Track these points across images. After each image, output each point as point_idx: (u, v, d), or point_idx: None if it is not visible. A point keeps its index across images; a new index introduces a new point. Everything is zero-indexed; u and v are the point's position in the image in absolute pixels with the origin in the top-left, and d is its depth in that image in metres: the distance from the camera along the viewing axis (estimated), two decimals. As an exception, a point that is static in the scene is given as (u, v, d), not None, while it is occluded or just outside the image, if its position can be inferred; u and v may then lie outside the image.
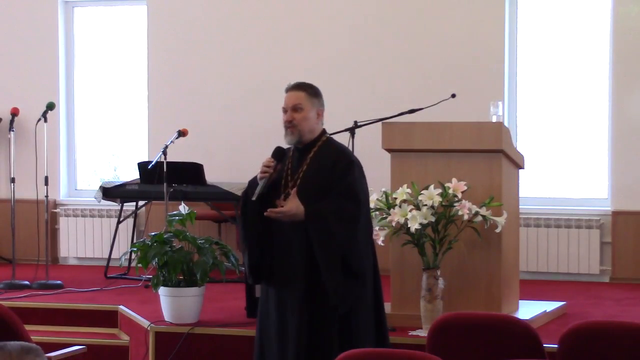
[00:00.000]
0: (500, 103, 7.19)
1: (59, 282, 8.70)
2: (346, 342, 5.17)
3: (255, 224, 5.35)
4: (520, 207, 7.36)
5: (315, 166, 5.34)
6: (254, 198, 5.28)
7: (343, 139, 6.33)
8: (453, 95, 7.36)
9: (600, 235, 9.09)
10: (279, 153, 5.39)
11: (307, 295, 5.24)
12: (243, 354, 6.79)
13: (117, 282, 8.84)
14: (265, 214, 5.23)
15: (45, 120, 8.74)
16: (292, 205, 5.20)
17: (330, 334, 5.23)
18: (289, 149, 5.43)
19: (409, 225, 6.43)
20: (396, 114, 7.27)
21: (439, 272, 6.52)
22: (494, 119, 7.04)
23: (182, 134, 8.81)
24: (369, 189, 5.49)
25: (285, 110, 5.40)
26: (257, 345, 5.47)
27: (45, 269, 8.81)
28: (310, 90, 5.43)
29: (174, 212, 7.24)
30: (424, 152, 6.91)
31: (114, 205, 9.79)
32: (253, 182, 5.45)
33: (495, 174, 6.78)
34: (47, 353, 3.80)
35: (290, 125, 5.37)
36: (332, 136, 5.57)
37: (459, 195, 6.51)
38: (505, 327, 4.84)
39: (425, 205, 6.45)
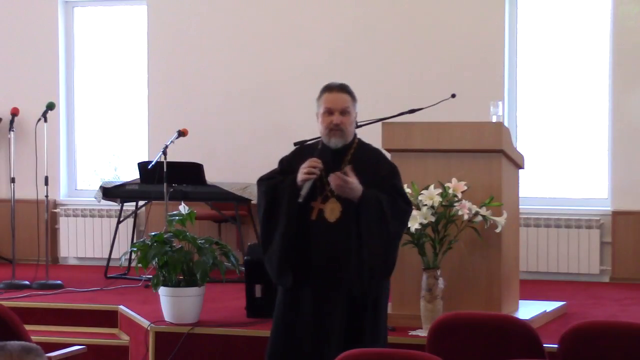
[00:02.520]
0: (500, 103, 7.18)
1: (59, 282, 8.70)
2: (375, 336, 5.20)
3: (294, 227, 5.20)
4: (520, 207, 7.36)
5: (355, 169, 5.22)
6: (300, 200, 5.14)
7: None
8: (453, 95, 7.36)
9: (600, 235, 9.09)
10: (323, 154, 5.24)
11: (351, 298, 5.19)
12: (243, 354, 6.79)
13: (117, 282, 8.84)
14: (334, 174, 5.10)
15: (45, 120, 8.74)
16: (355, 180, 5.14)
17: (364, 328, 5.22)
18: (320, 148, 5.29)
19: (409, 225, 6.42)
20: (396, 114, 7.27)
21: (439, 272, 6.52)
22: (494, 119, 7.04)
23: (182, 134, 8.81)
24: None
25: (330, 112, 5.26)
26: (276, 353, 5.36)
27: (45, 269, 8.81)
28: (353, 95, 5.35)
29: (174, 212, 7.24)
30: (424, 152, 6.91)
31: (114, 205, 9.79)
32: (277, 179, 5.29)
33: (495, 174, 6.78)
34: (47, 353, 3.80)
35: (338, 129, 5.25)
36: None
37: (459, 195, 6.51)
38: (505, 327, 4.84)
39: (425, 205, 6.45)
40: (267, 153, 9.62)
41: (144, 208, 9.53)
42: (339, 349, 5.12)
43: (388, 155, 7.04)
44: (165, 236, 7.02)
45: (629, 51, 9.07)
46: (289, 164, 5.36)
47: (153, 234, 7.11)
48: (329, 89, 5.35)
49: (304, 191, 5.13)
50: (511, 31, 9.39)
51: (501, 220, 6.58)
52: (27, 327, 5.60)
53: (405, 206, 5.32)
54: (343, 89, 5.34)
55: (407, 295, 6.86)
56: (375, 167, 5.27)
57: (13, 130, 8.89)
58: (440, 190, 6.49)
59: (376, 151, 5.41)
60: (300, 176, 5.18)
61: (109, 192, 9.36)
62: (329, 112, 5.27)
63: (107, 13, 10.53)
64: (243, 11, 9.93)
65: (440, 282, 6.51)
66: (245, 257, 7.32)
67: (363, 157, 5.29)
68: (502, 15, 9.34)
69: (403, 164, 6.90)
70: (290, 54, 9.80)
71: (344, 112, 5.26)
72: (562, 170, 9.46)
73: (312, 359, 5.23)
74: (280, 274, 5.25)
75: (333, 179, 5.13)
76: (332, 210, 5.21)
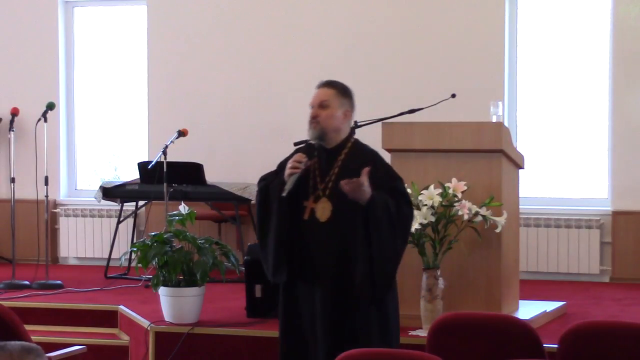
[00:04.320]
0: (500, 103, 7.19)
1: (59, 282, 8.70)
2: (384, 333, 5.18)
3: (284, 223, 5.20)
4: (520, 207, 7.36)
5: (348, 169, 5.20)
6: (284, 194, 5.12)
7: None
8: (453, 95, 7.37)
9: (600, 235, 9.09)
10: (309, 149, 5.25)
11: (340, 292, 5.15)
12: (243, 354, 6.80)
13: (117, 282, 8.84)
14: (342, 182, 5.04)
15: (45, 120, 8.74)
16: (366, 183, 5.06)
17: (369, 326, 5.18)
18: (317, 146, 5.28)
19: (409, 225, 6.42)
20: (396, 114, 7.27)
21: (439, 272, 6.52)
22: (494, 119, 7.04)
23: (182, 134, 8.81)
24: None
25: (312, 106, 5.29)
26: (284, 345, 5.33)
27: (45, 269, 8.81)
28: (340, 89, 5.31)
29: (174, 212, 7.24)
30: (424, 152, 6.91)
31: (114, 205, 9.79)
32: (270, 179, 5.32)
33: (495, 174, 6.78)
34: (47, 353, 3.80)
35: (314, 121, 5.25)
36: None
37: (459, 195, 6.51)
38: (505, 327, 4.84)
39: (425, 205, 6.45)
40: (267, 153, 9.62)
41: (144, 208, 9.53)
42: (328, 346, 5.13)
43: (388, 155, 7.06)
44: (165, 236, 7.02)
45: (629, 51, 9.07)
46: (285, 164, 5.34)
47: (153, 234, 7.11)
48: (317, 85, 5.36)
49: (287, 186, 5.13)
50: (511, 31, 9.39)
51: (501, 220, 6.58)
52: (27, 327, 5.60)
53: (410, 211, 5.28)
54: (328, 84, 5.34)
55: (407, 295, 6.84)
56: (372, 167, 5.19)
57: (13, 130, 8.89)
58: (440, 190, 6.49)
59: (372, 152, 5.35)
60: (286, 171, 5.19)
61: (109, 192, 9.36)
62: (310, 106, 5.30)
63: (107, 13, 10.53)
64: (243, 11, 9.92)
65: (440, 282, 6.51)
66: (245, 257, 7.32)
67: (358, 157, 5.24)
68: (502, 15, 9.34)
69: (403, 164, 6.93)
70: (290, 54, 9.80)
71: (322, 105, 5.25)
72: (562, 170, 9.46)
73: (315, 357, 5.22)
74: (274, 270, 5.26)
75: (344, 184, 5.07)
76: (323, 210, 5.19)
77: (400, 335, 5.59)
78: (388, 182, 5.20)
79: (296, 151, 5.38)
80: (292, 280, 5.27)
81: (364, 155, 5.28)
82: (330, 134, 5.25)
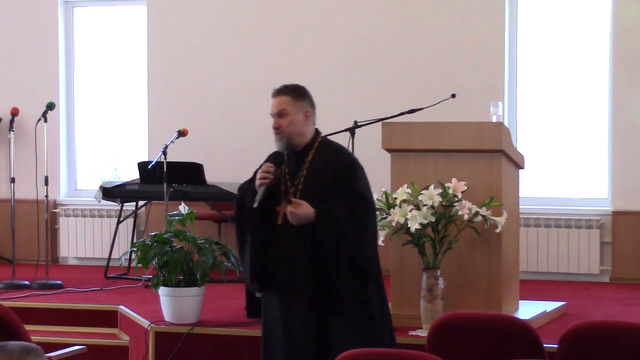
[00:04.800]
0: (500, 103, 7.19)
1: (59, 282, 8.70)
2: (364, 340, 5.14)
3: (258, 232, 5.27)
4: (520, 207, 7.36)
5: (315, 169, 5.25)
6: (255, 205, 5.18)
7: (343, 139, 6.33)
8: (453, 95, 7.37)
9: (600, 235, 9.09)
10: (277, 158, 5.30)
11: (315, 302, 5.18)
12: (243, 354, 6.80)
13: (117, 282, 8.84)
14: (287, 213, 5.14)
15: (45, 120, 8.74)
16: (303, 209, 5.11)
17: (343, 335, 5.16)
18: (286, 152, 5.33)
19: (409, 225, 6.42)
20: (396, 114, 7.27)
21: (439, 272, 6.52)
22: (494, 119, 7.05)
23: (182, 134, 8.81)
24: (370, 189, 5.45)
25: (272, 116, 5.34)
26: (264, 352, 5.40)
27: (45, 269, 8.81)
28: (294, 93, 5.34)
29: (174, 212, 7.24)
30: (424, 152, 6.91)
31: (114, 205, 9.79)
32: (245, 187, 5.39)
33: (495, 174, 6.78)
34: (47, 353, 3.80)
35: (278, 132, 5.31)
36: (328, 136, 5.51)
37: (459, 195, 6.51)
38: (505, 327, 4.84)
39: (425, 205, 6.45)
40: (267, 153, 9.61)
41: (144, 208, 9.53)
42: (309, 355, 5.13)
43: (383, 155, 7.06)
44: (165, 236, 7.02)
45: (629, 51, 9.07)
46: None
47: (153, 234, 7.11)
48: (272, 94, 5.39)
49: (258, 196, 5.20)
50: (511, 31, 9.39)
51: (501, 220, 6.58)
52: (27, 327, 5.60)
53: (365, 212, 5.23)
54: (281, 91, 5.37)
55: (407, 295, 6.86)
56: (334, 167, 5.23)
57: (13, 130, 8.89)
58: (440, 190, 6.49)
59: (337, 150, 5.38)
60: (256, 182, 5.25)
61: (109, 192, 9.36)
62: (272, 116, 5.34)
63: (107, 13, 10.53)
64: (243, 11, 9.92)
65: (440, 282, 6.51)
66: (245, 257, 7.31)
67: (324, 157, 5.28)
68: (502, 15, 9.34)
69: (403, 164, 6.94)
70: (290, 54, 9.79)
71: (280, 114, 5.30)
72: (562, 170, 9.46)
73: None
74: (251, 279, 5.33)
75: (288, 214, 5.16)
76: None
77: (396, 335, 5.60)
78: (349, 181, 5.20)
79: (267, 159, 5.40)
80: (270, 285, 5.30)
81: (330, 153, 5.30)
82: (296, 139, 5.31)
